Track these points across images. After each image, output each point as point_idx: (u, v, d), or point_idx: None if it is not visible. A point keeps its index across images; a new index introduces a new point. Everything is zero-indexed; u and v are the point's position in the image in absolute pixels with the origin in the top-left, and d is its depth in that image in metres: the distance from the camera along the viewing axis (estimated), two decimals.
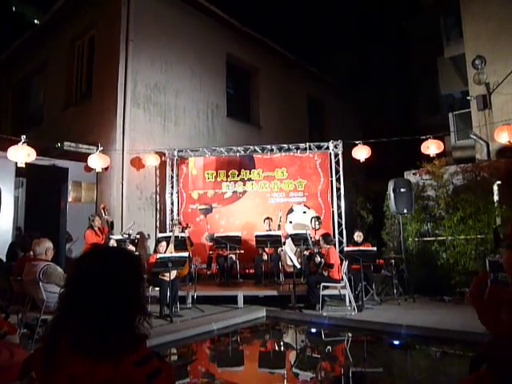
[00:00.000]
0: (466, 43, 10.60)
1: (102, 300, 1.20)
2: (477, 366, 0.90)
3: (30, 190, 9.99)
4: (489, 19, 10.04)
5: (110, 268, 1.26)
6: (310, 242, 7.91)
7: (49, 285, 4.91)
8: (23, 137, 7.63)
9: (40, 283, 4.91)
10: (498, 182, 8.36)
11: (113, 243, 7.47)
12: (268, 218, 9.20)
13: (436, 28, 13.51)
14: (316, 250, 7.88)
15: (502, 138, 8.36)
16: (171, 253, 7.63)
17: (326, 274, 7.53)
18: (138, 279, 1.33)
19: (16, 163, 7.74)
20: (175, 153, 10.01)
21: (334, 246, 8.74)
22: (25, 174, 8.91)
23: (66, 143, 9.15)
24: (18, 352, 2.68)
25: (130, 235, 8.16)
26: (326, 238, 7.84)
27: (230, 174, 9.94)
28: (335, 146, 9.57)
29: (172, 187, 10.01)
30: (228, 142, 11.17)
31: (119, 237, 8.21)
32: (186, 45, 11.09)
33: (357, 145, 9.39)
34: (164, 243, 7.81)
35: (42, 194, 9.59)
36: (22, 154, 7.54)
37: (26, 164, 7.67)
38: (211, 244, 9.14)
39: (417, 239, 9.12)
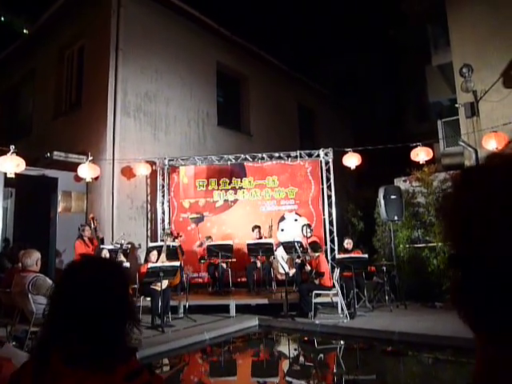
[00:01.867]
0: (453, 51, 10.74)
1: (88, 314, 1.17)
2: None
3: (19, 200, 9.90)
4: (475, 27, 10.19)
5: (92, 281, 1.23)
6: (299, 251, 7.90)
7: (38, 296, 4.85)
8: (12, 147, 7.56)
9: (29, 295, 4.84)
10: None
11: (105, 253, 7.40)
12: (257, 227, 9.18)
13: (424, 36, 13.70)
14: (307, 258, 7.88)
15: (490, 144, 8.46)
16: (163, 262, 7.58)
17: (317, 281, 7.53)
18: (123, 288, 1.29)
19: (5, 173, 7.66)
20: (166, 162, 9.98)
21: (325, 253, 8.76)
22: (14, 184, 8.83)
23: (55, 153, 9.08)
24: (6, 365, 2.64)
25: (121, 245, 8.10)
26: (314, 246, 7.85)
27: (221, 182, 9.93)
28: (326, 154, 9.61)
29: (163, 196, 9.97)
30: (219, 151, 11.17)
31: (111, 247, 8.15)
32: (176, 53, 11.11)
33: (347, 152, 9.44)
34: (155, 252, 7.76)
35: (31, 205, 9.51)
36: (10, 164, 7.47)
37: (15, 174, 7.60)
38: (200, 248, 9.14)
39: (408, 246, 9.18)
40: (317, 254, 7.70)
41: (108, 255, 7.36)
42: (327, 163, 9.60)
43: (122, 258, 7.88)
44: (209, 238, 9.23)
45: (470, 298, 0.60)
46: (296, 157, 9.76)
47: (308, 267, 7.70)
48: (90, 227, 8.39)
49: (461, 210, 0.61)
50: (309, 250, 7.86)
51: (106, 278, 1.25)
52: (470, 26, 10.32)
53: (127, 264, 7.68)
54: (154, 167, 9.95)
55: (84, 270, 1.28)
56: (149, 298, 7.20)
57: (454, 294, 0.63)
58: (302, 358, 6.50)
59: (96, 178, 9.26)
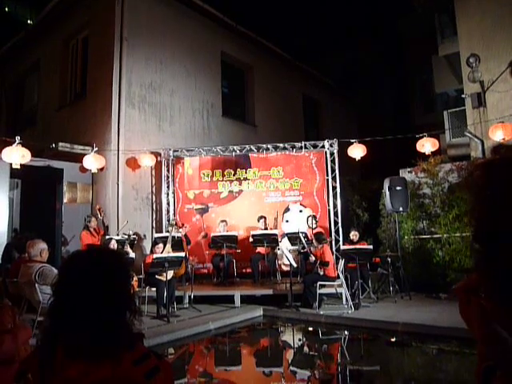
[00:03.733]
0: (460, 41, 10.61)
1: (90, 302, 1.20)
2: (490, 375, 0.82)
3: (25, 191, 9.94)
4: (483, 17, 10.06)
5: (93, 270, 1.25)
6: (304, 241, 7.91)
7: (44, 286, 4.90)
8: (17, 138, 7.59)
9: (36, 285, 4.89)
10: None
11: (113, 244, 7.44)
12: (262, 217, 9.21)
13: (430, 26, 13.54)
14: (312, 249, 7.90)
15: (497, 135, 8.39)
16: (168, 253, 7.62)
17: (321, 272, 7.54)
18: (123, 276, 1.31)
19: (11, 164, 7.70)
20: (171, 153, 9.98)
21: (330, 243, 8.76)
22: (19, 175, 8.87)
23: (60, 144, 9.10)
24: (7, 339, 2.66)
25: (129, 236, 8.14)
26: (318, 237, 7.85)
27: (225, 173, 9.93)
28: (331, 145, 9.58)
29: (168, 187, 9.99)
30: (224, 142, 11.16)
31: (117, 237, 8.19)
32: (180, 44, 11.07)
33: (352, 143, 9.40)
34: (161, 245, 7.79)
35: (37, 195, 9.55)
36: (16, 155, 7.50)
37: (21, 165, 7.63)
38: (205, 239, 9.19)
39: (413, 237, 9.16)
40: (321, 245, 7.71)
41: (116, 246, 7.41)
42: (332, 154, 9.56)
43: (128, 248, 7.92)
44: (223, 221, 9.26)
45: (496, 271, 0.63)
46: (301, 148, 9.73)
47: (312, 258, 7.72)
48: (97, 218, 8.44)
49: (493, 190, 0.65)
50: (314, 241, 7.86)
51: (105, 267, 1.27)
52: (478, 15, 10.19)
53: (133, 255, 7.72)
54: (158, 158, 9.96)
55: (84, 260, 1.30)
56: (154, 289, 7.24)
57: (482, 267, 0.67)
58: (306, 349, 6.53)
59: (101, 169, 9.29)
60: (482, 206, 0.75)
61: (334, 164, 9.51)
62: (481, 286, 0.81)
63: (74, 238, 8.91)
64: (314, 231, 8.41)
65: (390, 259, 8.38)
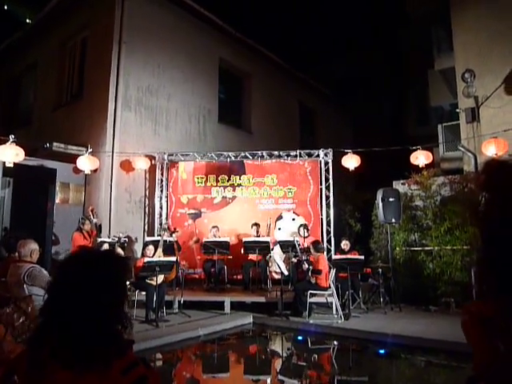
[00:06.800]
0: (456, 56, 10.73)
1: (83, 306, 1.18)
2: None
3: (17, 190, 9.86)
4: (479, 33, 10.19)
5: (89, 273, 1.23)
6: (298, 250, 7.91)
7: (33, 287, 4.84)
8: (12, 136, 7.55)
9: (24, 285, 4.83)
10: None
11: (106, 247, 7.40)
12: (256, 224, 9.19)
13: (427, 40, 13.69)
14: (304, 258, 7.88)
15: (490, 150, 8.46)
16: (159, 257, 7.59)
17: (313, 281, 7.53)
18: (119, 283, 1.30)
19: (4, 163, 7.65)
20: (165, 156, 9.96)
21: (323, 253, 8.77)
22: (12, 173, 8.80)
23: (54, 144, 9.05)
24: None
25: (119, 238, 8.10)
26: (316, 245, 7.85)
27: (219, 179, 9.92)
28: (325, 154, 9.61)
29: (161, 191, 9.96)
30: (219, 147, 11.17)
31: (108, 240, 8.14)
32: (178, 49, 11.09)
33: (347, 153, 9.43)
34: (151, 247, 7.76)
35: (28, 195, 9.47)
36: (10, 153, 7.46)
37: (14, 164, 7.59)
38: (197, 244, 9.17)
39: (404, 249, 9.19)
40: (318, 254, 7.71)
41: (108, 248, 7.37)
42: (327, 163, 9.59)
43: (119, 250, 7.88)
44: (215, 227, 9.22)
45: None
46: (296, 156, 9.76)
47: (306, 265, 7.69)
48: (90, 221, 8.39)
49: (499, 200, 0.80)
50: (312, 249, 7.84)
51: (101, 271, 1.25)
52: (474, 30, 10.31)
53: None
54: (153, 162, 9.93)
55: (79, 263, 1.28)
56: (144, 293, 7.20)
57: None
58: (295, 358, 6.51)
59: (95, 171, 9.24)
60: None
61: (328, 173, 9.54)
62: (495, 316, 0.86)
63: (63, 239, 8.83)
64: (311, 240, 8.41)
65: (381, 270, 8.39)
